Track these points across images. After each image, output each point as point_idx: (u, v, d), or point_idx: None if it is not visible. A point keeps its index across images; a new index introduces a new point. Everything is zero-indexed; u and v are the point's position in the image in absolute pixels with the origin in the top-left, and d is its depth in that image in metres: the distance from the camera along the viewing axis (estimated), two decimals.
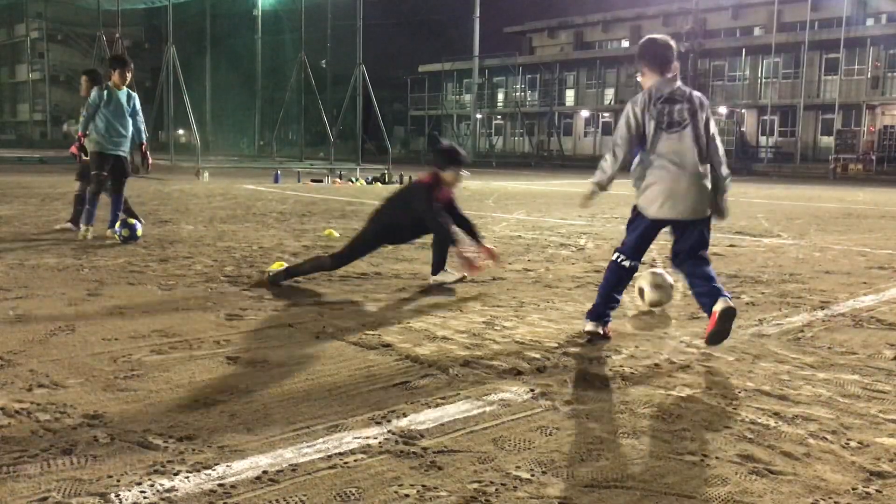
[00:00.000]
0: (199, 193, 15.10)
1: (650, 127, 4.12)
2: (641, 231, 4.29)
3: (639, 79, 4.33)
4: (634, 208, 4.32)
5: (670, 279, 5.10)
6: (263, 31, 41.79)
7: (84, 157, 8.24)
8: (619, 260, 4.33)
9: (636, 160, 4.26)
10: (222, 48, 48.99)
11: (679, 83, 4.22)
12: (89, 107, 8.02)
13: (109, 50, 28.13)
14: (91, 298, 5.07)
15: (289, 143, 46.46)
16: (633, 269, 4.37)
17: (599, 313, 4.36)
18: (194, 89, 32.33)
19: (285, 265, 6.25)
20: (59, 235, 8.19)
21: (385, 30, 54.78)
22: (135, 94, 8.42)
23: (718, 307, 3.98)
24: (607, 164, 4.26)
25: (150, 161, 8.54)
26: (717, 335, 4.02)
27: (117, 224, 7.91)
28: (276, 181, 19.75)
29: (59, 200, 12.38)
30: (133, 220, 8.01)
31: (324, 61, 42.33)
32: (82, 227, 8.07)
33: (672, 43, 4.32)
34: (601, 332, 4.32)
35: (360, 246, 5.85)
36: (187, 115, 24.50)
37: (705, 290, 4.12)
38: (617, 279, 4.34)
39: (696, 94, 4.25)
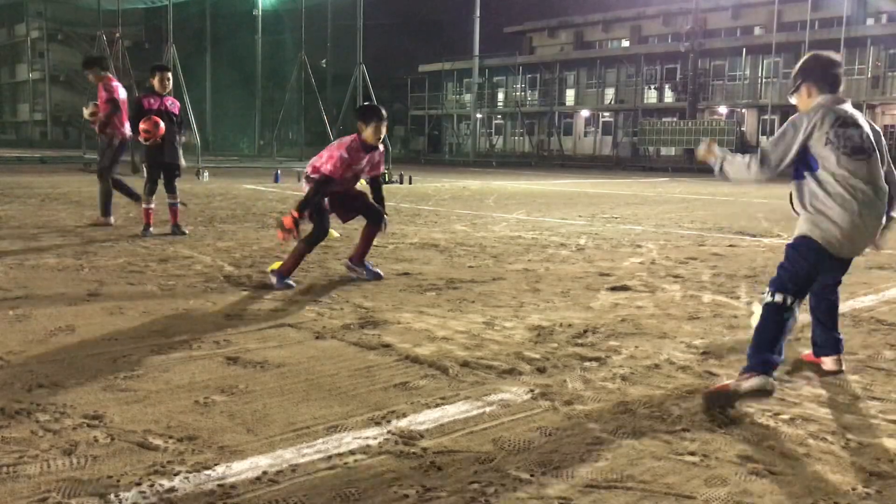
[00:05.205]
0: (199, 193, 15.09)
1: (826, 150, 3.52)
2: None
3: (793, 100, 3.80)
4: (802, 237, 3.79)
5: None
6: (263, 31, 41.84)
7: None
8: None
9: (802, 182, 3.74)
10: (222, 48, 49.09)
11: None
12: None
13: (109, 50, 28.05)
14: (91, 298, 5.07)
15: (289, 143, 46.52)
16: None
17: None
18: (194, 89, 32.34)
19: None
20: (58, 234, 8.18)
21: (385, 30, 54.75)
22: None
23: (831, 365, 3.80)
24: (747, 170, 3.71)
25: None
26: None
27: None
28: (276, 181, 19.74)
29: (59, 200, 12.38)
30: None
31: (324, 61, 42.41)
32: None
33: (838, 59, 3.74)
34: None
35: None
36: (187, 115, 24.51)
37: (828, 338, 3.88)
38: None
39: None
